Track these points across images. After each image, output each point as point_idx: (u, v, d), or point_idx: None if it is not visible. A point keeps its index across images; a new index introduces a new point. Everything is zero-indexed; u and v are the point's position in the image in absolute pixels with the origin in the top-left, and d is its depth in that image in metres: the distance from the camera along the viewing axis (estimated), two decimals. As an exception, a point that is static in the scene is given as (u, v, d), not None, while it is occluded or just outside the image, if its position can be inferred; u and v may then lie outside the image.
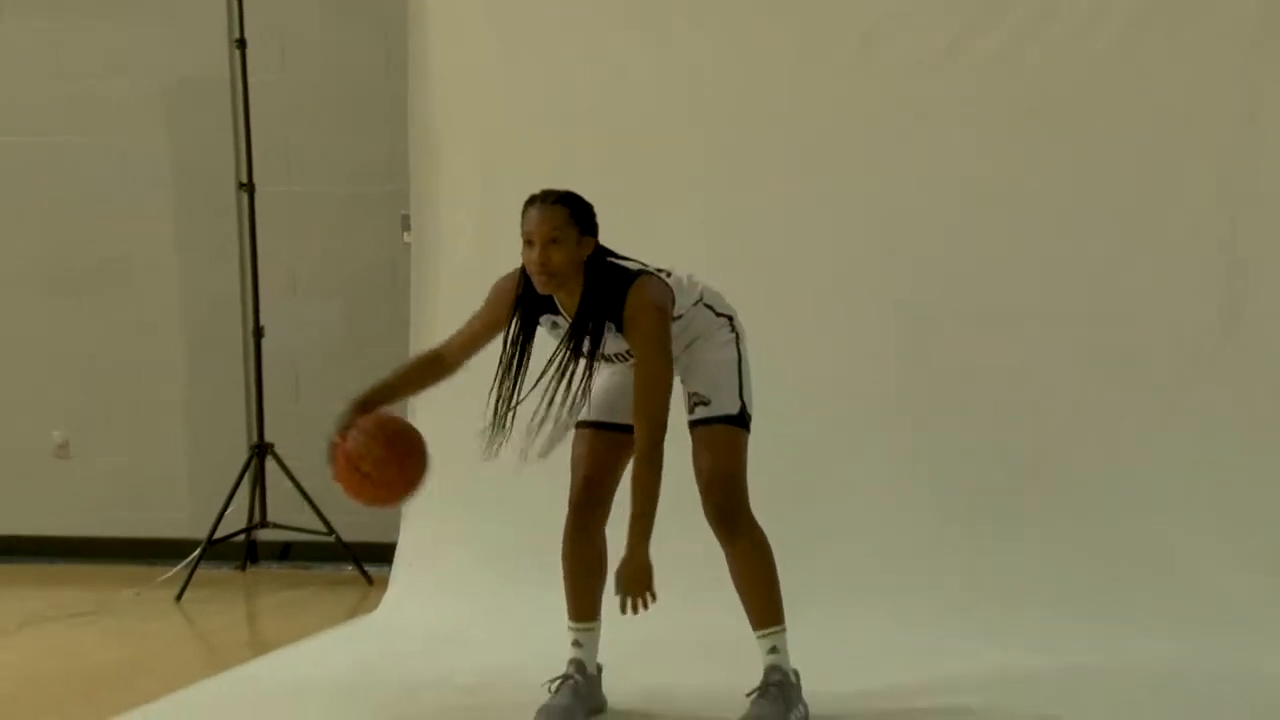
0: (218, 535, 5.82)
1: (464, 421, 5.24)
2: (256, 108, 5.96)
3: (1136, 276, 4.84)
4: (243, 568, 6.16)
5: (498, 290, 3.94)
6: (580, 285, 3.77)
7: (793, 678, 3.89)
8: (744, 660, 3.91)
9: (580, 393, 3.84)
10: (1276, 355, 4.71)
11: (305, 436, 5.81)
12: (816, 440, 4.99)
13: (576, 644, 3.99)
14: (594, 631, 4.00)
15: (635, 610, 3.72)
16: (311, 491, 5.81)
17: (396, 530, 5.45)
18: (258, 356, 6.02)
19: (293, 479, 5.85)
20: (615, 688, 4.02)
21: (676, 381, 3.84)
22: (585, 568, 3.97)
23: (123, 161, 6.27)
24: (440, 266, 5.43)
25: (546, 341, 3.90)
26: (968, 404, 4.92)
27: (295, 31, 6.11)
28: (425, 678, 4.42)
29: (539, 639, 4.20)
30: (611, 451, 3.92)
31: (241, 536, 6.02)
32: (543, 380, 3.83)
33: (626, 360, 3.87)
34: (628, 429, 3.84)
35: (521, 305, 3.85)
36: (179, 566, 5.78)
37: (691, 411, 3.87)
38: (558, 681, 3.96)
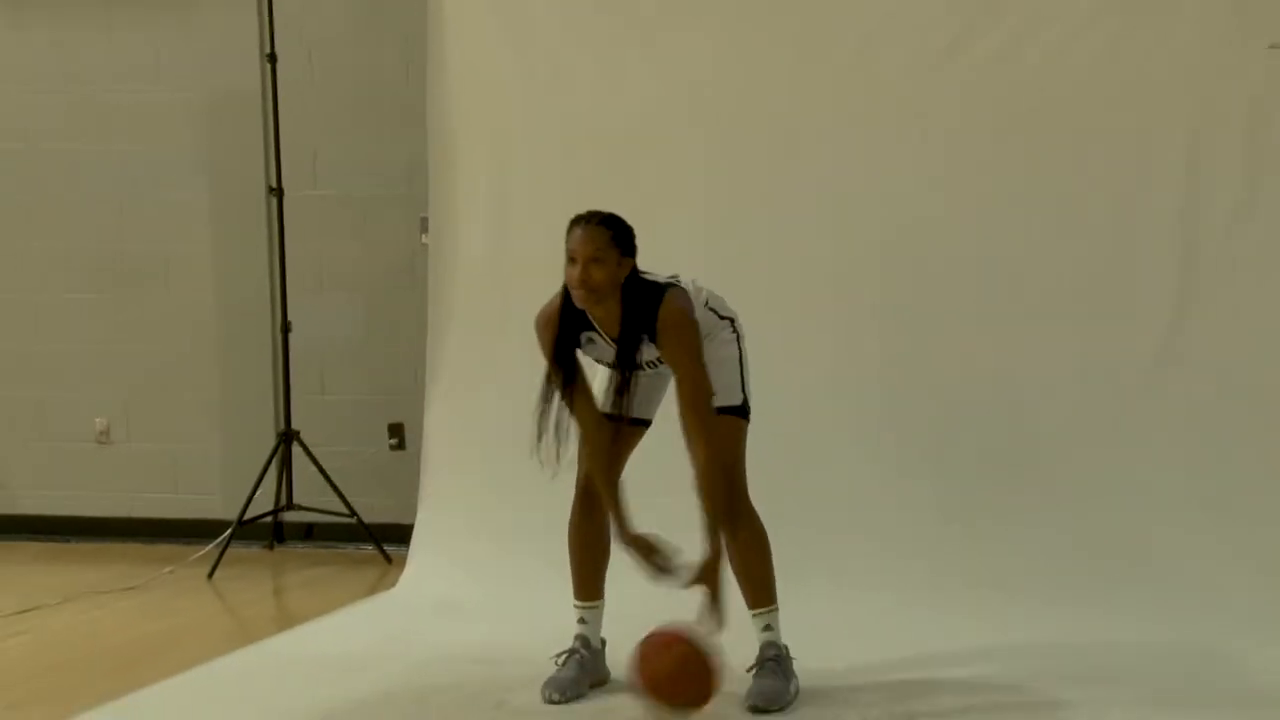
0: (247, 517, 5.92)
1: (477, 412, 5.41)
2: (285, 118, 6.05)
3: (1135, 276, 4.82)
4: (270, 547, 6.24)
5: (541, 322, 3.92)
6: (618, 303, 3.81)
7: (785, 653, 3.97)
8: (741, 635, 3.91)
9: (628, 403, 3.89)
10: (1272, 354, 4.71)
11: (329, 424, 6.07)
12: (815, 440, 4.98)
13: (582, 620, 4.07)
14: (598, 609, 4.08)
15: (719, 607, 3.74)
16: (334, 476, 5.93)
17: (414, 513, 5.54)
18: (285, 350, 6.08)
19: (317, 464, 5.94)
20: (619, 661, 3.96)
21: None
22: (590, 550, 4.06)
23: (164, 167, 6.34)
24: (456, 266, 5.47)
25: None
26: (967, 403, 4.91)
27: (322, 48, 6.18)
28: (440, 650, 4.49)
29: (546, 616, 4.24)
30: (616, 442, 3.98)
31: (269, 518, 6.14)
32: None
33: (656, 368, 3.93)
34: (634, 421, 3.97)
35: (563, 320, 3.88)
36: (210, 546, 5.89)
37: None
38: (564, 655, 4.05)
